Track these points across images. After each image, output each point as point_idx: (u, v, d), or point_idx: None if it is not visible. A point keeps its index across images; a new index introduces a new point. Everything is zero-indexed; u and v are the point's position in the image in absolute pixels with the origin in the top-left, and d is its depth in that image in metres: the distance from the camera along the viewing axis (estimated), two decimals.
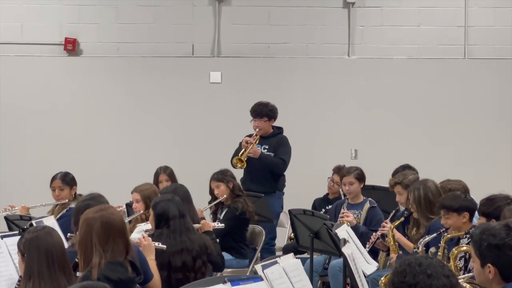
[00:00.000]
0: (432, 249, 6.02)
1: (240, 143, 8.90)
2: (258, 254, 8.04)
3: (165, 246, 5.85)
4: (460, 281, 4.57)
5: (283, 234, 9.29)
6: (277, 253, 8.64)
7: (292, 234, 7.90)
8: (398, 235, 6.81)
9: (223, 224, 7.31)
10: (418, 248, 6.10)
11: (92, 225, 4.82)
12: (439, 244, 5.91)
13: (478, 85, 10.89)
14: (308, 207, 8.64)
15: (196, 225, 6.47)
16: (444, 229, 5.96)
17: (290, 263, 4.81)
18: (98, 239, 4.78)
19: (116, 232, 4.84)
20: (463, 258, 5.54)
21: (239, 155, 8.80)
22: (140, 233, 6.00)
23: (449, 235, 5.88)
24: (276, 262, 4.68)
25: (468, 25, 10.85)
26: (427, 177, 6.82)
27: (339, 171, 8.64)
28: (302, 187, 9.71)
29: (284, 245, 8.99)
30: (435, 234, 6.02)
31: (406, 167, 8.17)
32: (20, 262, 4.70)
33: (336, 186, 8.90)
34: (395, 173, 7.97)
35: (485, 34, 10.85)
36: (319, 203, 9.10)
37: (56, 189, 7.78)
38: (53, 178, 7.86)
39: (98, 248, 4.76)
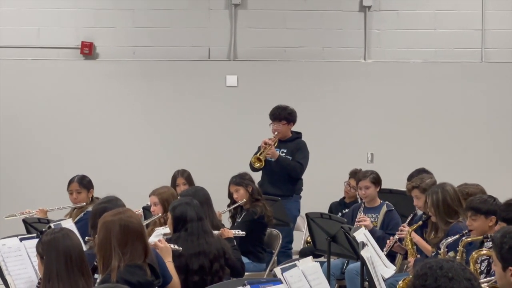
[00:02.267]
0: (451, 253, 5.98)
1: (259, 147, 8.88)
2: (275, 257, 8.01)
3: (180, 248, 5.86)
4: (483, 285, 4.55)
5: (300, 238, 9.27)
6: (294, 257, 8.62)
7: (309, 237, 7.88)
8: (417, 238, 6.77)
9: (244, 232, 7.20)
10: (440, 250, 6.04)
11: (111, 228, 4.82)
12: (458, 248, 5.86)
13: (495, 88, 10.84)
14: (325, 211, 8.60)
15: (215, 232, 6.46)
16: (466, 231, 5.91)
17: (309, 266, 4.80)
18: (117, 242, 4.78)
19: (135, 235, 4.85)
20: (486, 261, 5.48)
21: (258, 154, 8.79)
22: (158, 236, 6.01)
23: (467, 239, 5.83)
24: (295, 265, 4.68)
25: (485, 29, 10.80)
26: (444, 181, 6.78)
27: (355, 175, 8.61)
28: (318, 191, 9.66)
29: (301, 249, 8.99)
30: (457, 236, 5.94)
31: (422, 171, 8.12)
32: (39, 264, 4.71)
33: (353, 190, 8.88)
34: (410, 177, 7.93)
35: (502, 38, 10.80)
36: (335, 207, 9.08)
37: (73, 192, 7.80)
38: (70, 181, 7.89)
39: (117, 251, 4.76)
